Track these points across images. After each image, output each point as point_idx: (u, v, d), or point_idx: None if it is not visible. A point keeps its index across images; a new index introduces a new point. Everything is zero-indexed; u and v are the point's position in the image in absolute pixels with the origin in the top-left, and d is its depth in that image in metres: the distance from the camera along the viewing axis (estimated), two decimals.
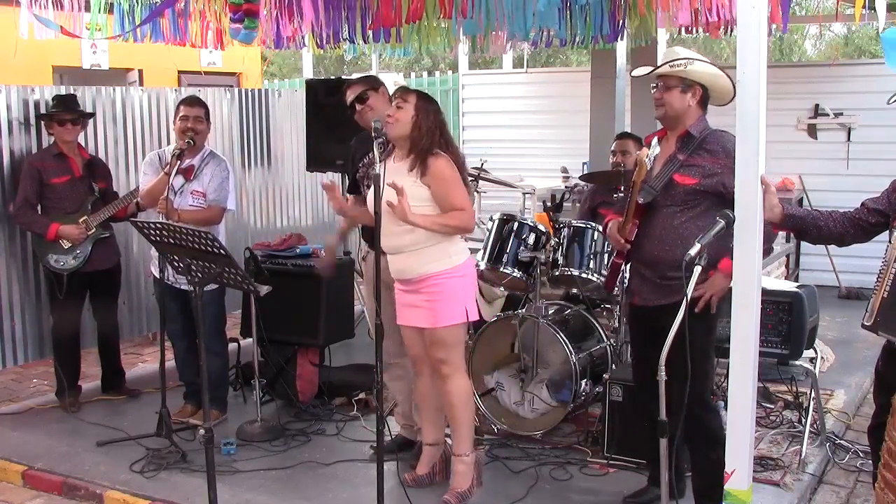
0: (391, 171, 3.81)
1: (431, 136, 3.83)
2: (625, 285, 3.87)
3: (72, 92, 5.65)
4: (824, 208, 3.57)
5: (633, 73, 3.91)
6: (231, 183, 5.04)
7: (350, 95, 4.35)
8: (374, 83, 4.43)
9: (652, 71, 3.55)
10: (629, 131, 6.29)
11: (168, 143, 5.62)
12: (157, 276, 4.88)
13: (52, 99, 5.36)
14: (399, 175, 3.81)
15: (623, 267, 3.87)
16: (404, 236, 3.83)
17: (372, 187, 4.26)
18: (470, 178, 4.24)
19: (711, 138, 3.54)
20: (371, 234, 4.35)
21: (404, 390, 4.46)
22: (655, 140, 3.50)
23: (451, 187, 3.82)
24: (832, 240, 3.44)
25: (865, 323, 3.25)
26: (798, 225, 3.39)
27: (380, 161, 3.57)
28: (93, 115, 5.74)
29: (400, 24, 4.96)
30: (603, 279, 4.76)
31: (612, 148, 5.71)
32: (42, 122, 5.40)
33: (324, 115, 6.24)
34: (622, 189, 4.02)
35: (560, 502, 4.03)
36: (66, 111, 5.22)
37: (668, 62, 3.51)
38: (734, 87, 3.50)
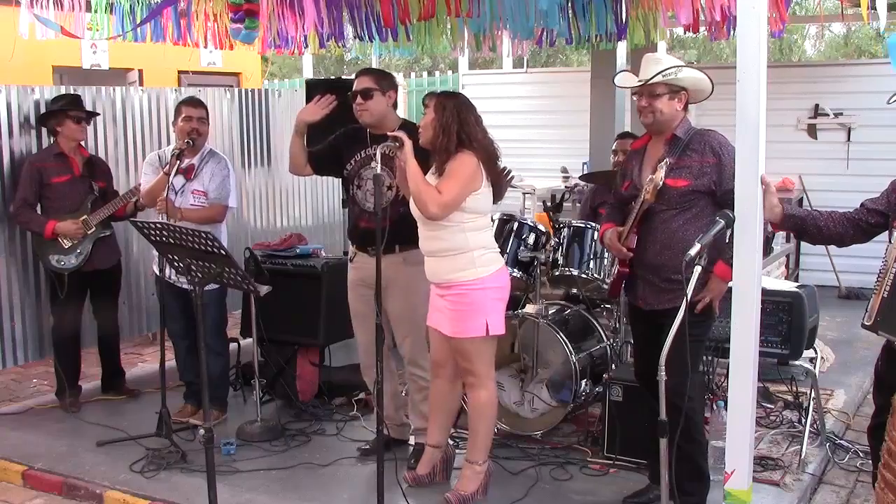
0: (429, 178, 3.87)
1: (448, 133, 3.76)
2: (623, 285, 3.87)
3: (72, 92, 5.65)
4: (824, 208, 3.58)
5: (617, 83, 3.78)
6: (232, 180, 5.05)
7: (357, 86, 4.23)
8: (384, 84, 4.25)
9: (647, 81, 3.54)
10: (630, 131, 6.29)
11: (168, 143, 5.62)
12: (158, 275, 4.88)
13: (60, 98, 5.34)
14: (430, 174, 3.85)
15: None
16: (434, 241, 3.83)
17: (359, 185, 4.30)
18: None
19: (697, 138, 3.57)
20: (359, 235, 4.36)
21: (387, 391, 4.43)
22: (665, 163, 3.45)
23: (450, 177, 3.73)
24: (832, 240, 3.45)
25: (865, 323, 3.25)
26: (798, 225, 3.40)
27: (381, 167, 3.57)
28: (98, 114, 5.76)
29: (407, 23, 4.96)
30: (604, 281, 4.79)
31: (614, 147, 5.71)
32: (47, 122, 5.37)
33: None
34: (611, 190, 4.02)
35: (560, 502, 4.03)
36: (82, 109, 5.25)
37: (660, 71, 3.52)
38: (712, 85, 3.58)
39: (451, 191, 3.70)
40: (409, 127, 4.11)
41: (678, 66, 3.55)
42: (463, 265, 3.80)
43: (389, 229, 3.73)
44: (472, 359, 3.87)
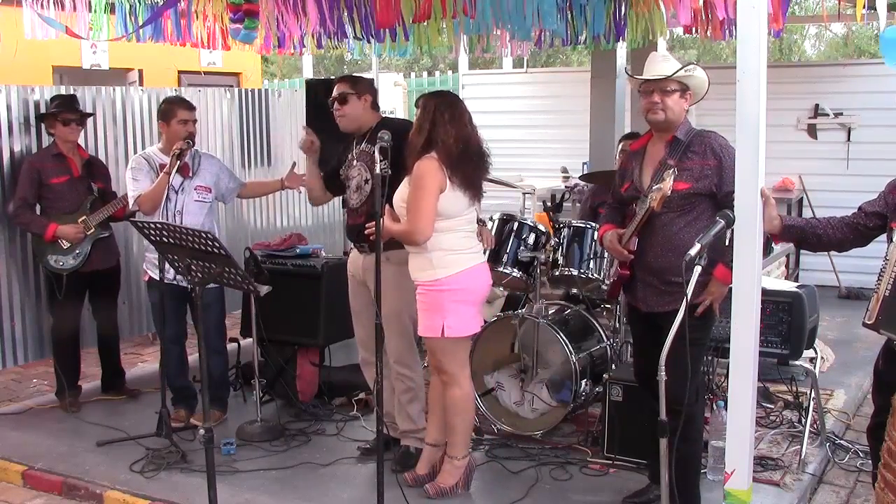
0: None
1: (421, 133, 3.80)
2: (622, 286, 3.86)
3: (72, 92, 5.65)
4: (824, 208, 3.59)
5: (645, 76, 3.60)
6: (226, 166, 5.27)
7: (334, 93, 4.32)
8: (359, 88, 4.30)
9: (672, 75, 3.49)
10: (636, 132, 6.29)
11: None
12: (157, 278, 4.77)
13: (53, 98, 5.35)
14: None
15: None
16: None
17: (355, 186, 4.30)
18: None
19: (697, 140, 3.55)
20: (347, 232, 4.45)
21: (387, 389, 4.43)
22: (672, 171, 3.38)
23: (415, 195, 3.75)
24: (832, 246, 3.46)
25: (867, 321, 3.25)
26: (798, 235, 3.40)
27: (383, 160, 3.57)
28: (92, 114, 5.75)
29: (402, 24, 4.95)
30: (603, 282, 4.78)
31: (621, 147, 5.70)
32: (43, 123, 5.38)
33: (324, 115, 6.20)
34: (610, 191, 4.00)
35: (560, 502, 4.03)
36: (70, 111, 5.23)
37: (683, 66, 3.51)
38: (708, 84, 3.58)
39: (416, 213, 3.73)
40: (389, 125, 4.11)
41: (693, 64, 3.56)
42: (421, 265, 3.85)
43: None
44: (440, 357, 3.91)
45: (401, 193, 3.87)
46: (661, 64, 3.54)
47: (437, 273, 3.82)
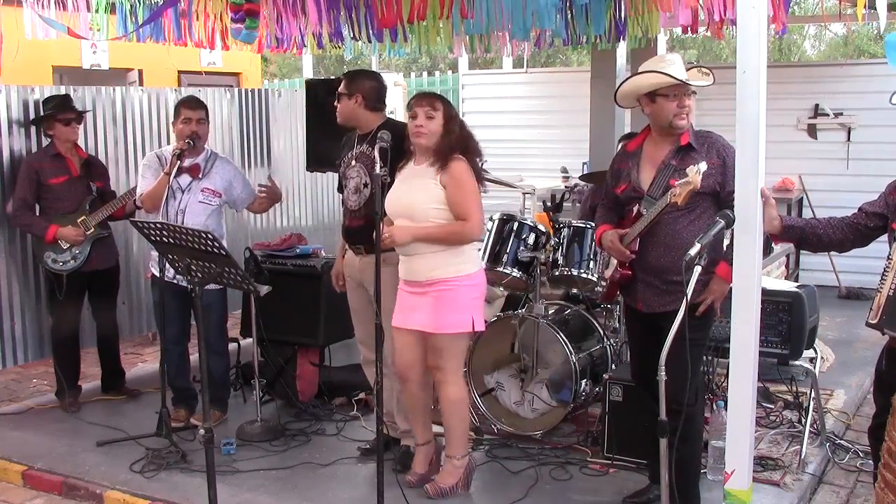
0: (412, 174, 3.91)
1: (454, 139, 3.86)
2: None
3: (70, 92, 5.65)
4: (824, 208, 3.58)
5: (696, 83, 3.50)
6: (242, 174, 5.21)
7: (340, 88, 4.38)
8: (351, 88, 4.30)
9: (713, 83, 3.50)
10: (635, 132, 6.28)
11: (168, 143, 5.61)
12: (158, 276, 4.80)
13: (48, 100, 5.32)
14: (420, 177, 3.87)
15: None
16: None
17: (353, 187, 4.30)
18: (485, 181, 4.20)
19: (699, 140, 3.55)
20: (345, 233, 4.47)
21: (387, 389, 4.43)
22: (699, 167, 3.30)
23: (466, 193, 3.82)
24: (832, 247, 3.46)
25: (870, 321, 3.23)
26: (798, 235, 3.40)
27: (382, 166, 3.58)
28: (89, 111, 5.75)
29: (401, 24, 4.96)
30: (599, 283, 4.78)
31: (621, 147, 5.70)
32: (40, 125, 5.37)
33: (324, 115, 6.21)
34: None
35: (560, 502, 4.03)
36: (69, 110, 5.22)
37: (711, 73, 3.52)
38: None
39: (473, 209, 3.84)
40: (391, 125, 4.11)
41: (707, 69, 3.57)
42: (447, 262, 3.84)
43: (370, 229, 3.75)
44: (445, 355, 3.90)
45: (431, 194, 3.83)
46: (678, 66, 3.49)
47: (465, 269, 3.86)
